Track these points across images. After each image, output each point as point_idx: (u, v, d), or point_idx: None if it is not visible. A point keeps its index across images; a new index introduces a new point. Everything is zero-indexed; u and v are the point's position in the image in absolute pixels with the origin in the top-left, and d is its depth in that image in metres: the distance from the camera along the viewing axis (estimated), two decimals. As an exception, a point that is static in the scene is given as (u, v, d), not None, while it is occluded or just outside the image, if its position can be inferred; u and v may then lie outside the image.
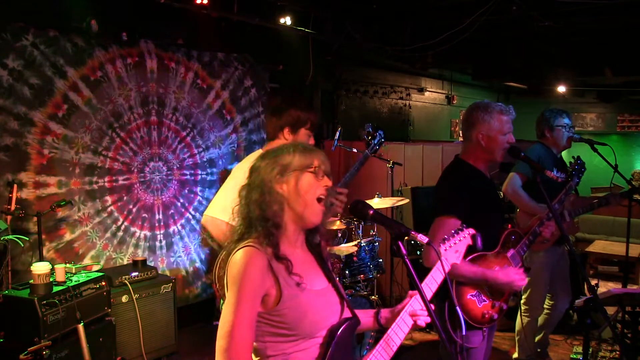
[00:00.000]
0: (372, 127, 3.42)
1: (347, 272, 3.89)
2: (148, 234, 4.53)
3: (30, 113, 3.73)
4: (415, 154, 5.66)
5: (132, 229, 4.42)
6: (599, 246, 5.79)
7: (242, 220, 1.65)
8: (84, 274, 3.47)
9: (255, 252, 1.55)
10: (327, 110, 6.58)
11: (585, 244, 6.07)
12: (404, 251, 1.60)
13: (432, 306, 1.64)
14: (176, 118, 4.68)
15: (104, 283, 3.46)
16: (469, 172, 2.56)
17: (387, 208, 4.74)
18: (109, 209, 4.25)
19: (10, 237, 3.24)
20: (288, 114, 2.77)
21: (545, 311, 3.87)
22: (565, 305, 3.88)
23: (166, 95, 4.59)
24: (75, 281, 3.31)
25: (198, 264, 4.93)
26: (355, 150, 4.55)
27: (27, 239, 3.46)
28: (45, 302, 3.00)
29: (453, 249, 1.90)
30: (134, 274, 3.87)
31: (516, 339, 3.87)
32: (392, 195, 4.76)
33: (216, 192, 3.11)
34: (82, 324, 3.11)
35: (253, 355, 1.60)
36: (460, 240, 1.92)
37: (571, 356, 4.15)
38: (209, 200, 4.80)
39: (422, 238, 1.62)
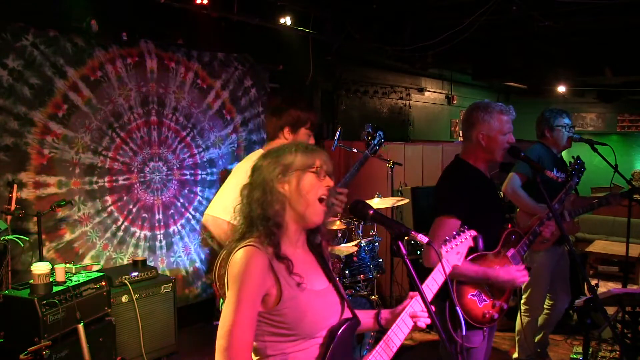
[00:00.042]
0: (372, 128, 3.42)
1: (347, 272, 3.89)
2: (148, 234, 4.53)
3: (30, 113, 3.73)
4: (415, 154, 5.66)
5: (132, 229, 4.42)
6: (599, 246, 5.79)
7: (243, 219, 1.65)
8: (84, 274, 3.47)
9: (256, 252, 1.55)
10: (327, 110, 6.58)
11: (585, 244, 6.07)
12: (404, 251, 1.60)
13: (433, 308, 1.63)
14: (176, 118, 4.68)
15: (104, 283, 3.46)
16: (469, 172, 2.56)
17: (387, 208, 4.74)
18: (109, 209, 4.25)
19: (10, 237, 3.24)
20: (288, 114, 2.78)
21: (545, 311, 3.87)
22: (565, 305, 3.89)
23: (166, 95, 4.59)
24: (75, 281, 3.31)
25: (198, 264, 4.93)
26: (355, 150, 4.55)
27: (27, 239, 3.46)
28: (45, 302, 3.00)
29: (454, 250, 1.90)
30: (134, 274, 3.87)
31: (516, 339, 3.87)
32: (392, 195, 4.76)
33: (216, 192, 3.11)
34: (82, 324, 3.11)
35: (253, 355, 1.60)
36: (461, 241, 1.92)
37: (571, 356, 4.15)
38: (208, 200, 4.80)
39: (422, 238, 1.62)
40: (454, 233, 1.93)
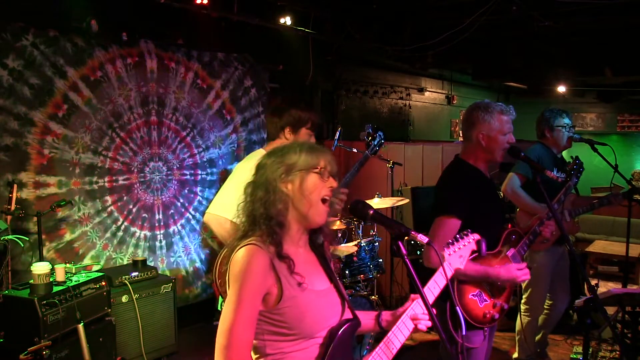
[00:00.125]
0: (372, 128, 3.43)
1: (347, 272, 3.89)
2: (148, 234, 4.53)
3: (30, 113, 3.73)
4: (415, 154, 5.66)
5: (132, 229, 4.42)
6: (599, 246, 5.79)
7: (246, 218, 1.65)
8: (84, 274, 3.47)
9: (257, 250, 1.55)
10: (327, 110, 6.58)
11: (585, 244, 6.07)
12: (404, 251, 1.60)
13: (434, 310, 1.63)
14: (176, 118, 4.68)
15: (104, 283, 3.46)
16: (469, 172, 2.56)
17: (387, 208, 4.74)
18: (109, 209, 4.25)
19: (10, 237, 3.24)
20: (289, 114, 2.79)
21: (545, 311, 3.87)
22: (565, 305, 3.89)
23: (166, 95, 4.59)
24: (75, 281, 3.31)
25: (198, 264, 4.93)
26: (355, 150, 4.55)
27: (27, 239, 3.46)
28: (45, 302, 3.00)
29: (457, 253, 1.89)
30: (134, 274, 3.87)
31: (516, 338, 3.87)
32: (392, 195, 4.76)
33: (216, 192, 3.11)
34: (82, 324, 3.11)
35: (252, 353, 1.60)
36: (464, 245, 1.91)
37: (571, 356, 4.15)
38: (208, 200, 4.81)
39: (422, 238, 1.62)
40: (457, 236, 1.92)
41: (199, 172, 4.91)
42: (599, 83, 9.02)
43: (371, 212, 1.69)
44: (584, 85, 9.11)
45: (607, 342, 4.28)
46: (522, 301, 3.79)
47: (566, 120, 3.69)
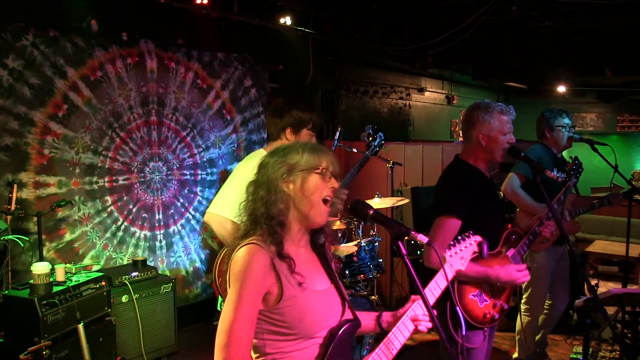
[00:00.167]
0: (372, 129, 3.43)
1: (347, 272, 3.89)
2: (148, 234, 4.53)
3: (30, 113, 3.73)
4: (415, 154, 5.66)
5: (132, 229, 4.42)
6: (599, 246, 5.79)
7: (247, 217, 1.65)
8: (84, 274, 3.47)
9: (258, 250, 1.55)
10: (327, 110, 6.58)
11: (585, 244, 6.07)
12: (404, 251, 1.60)
13: (435, 312, 1.63)
14: (176, 118, 4.68)
15: (104, 283, 3.46)
16: (469, 172, 2.56)
17: (387, 208, 4.74)
18: (109, 209, 4.25)
19: (10, 237, 3.23)
20: (290, 115, 2.79)
21: (544, 311, 3.87)
22: (564, 305, 3.89)
23: (166, 95, 4.59)
24: (75, 281, 3.31)
25: (198, 264, 4.93)
26: (355, 150, 4.55)
27: (27, 239, 3.46)
28: (45, 302, 3.00)
29: (458, 255, 1.89)
30: (134, 274, 3.87)
31: (516, 338, 3.87)
32: (392, 195, 4.76)
33: (216, 192, 3.11)
34: (82, 324, 3.11)
35: (252, 352, 1.60)
36: (466, 247, 1.91)
37: (571, 356, 4.15)
38: (208, 200, 4.81)
39: (422, 238, 1.62)
40: (459, 238, 1.92)
41: (199, 172, 4.91)
42: (599, 83, 9.02)
43: (371, 212, 1.69)
44: (584, 85, 9.11)
45: (607, 342, 4.28)
46: (522, 301, 3.79)
47: (566, 120, 3.69)
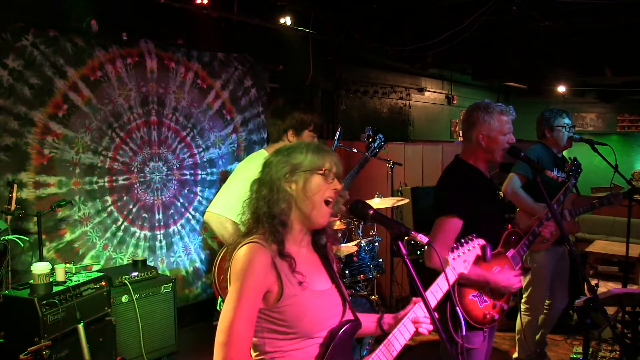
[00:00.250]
0: (372, 130, 3.43)
1: (347, 272, 3.89)
2: (148, 234, 4.53)
3: (30, 113, 3.73)
4: (415, 154, 5.66)
5: (132, 229, 4.42)
6: (599, 246, 5.79)
7: (250, 215, 1.66)
8: (84, 274, 3.47)
9: (259, 248, 1.56)
10: (327, 110, 6.57)
11: (585, 244, 6.08)
12: (404, 251, 1.60)
13: (436, 314, 1.63)
14: (176, 118, 4.68)
15: (104, 283, 3.46)
16: (469, 172, 2.56)
17: (387, 208, 4.74)
18: (109, 209, 4.25)
19: (10, 237, 3.23)
20: (291, 117, 2.77)
21: (544, 311, 3.87)
22: (563, 305, 3.89)
23: (166, 95, 4.59)
24: (75, 281, 3.31)
25: (198, 264, 4.93)
26: (355, 150, 4.55)
27: (27, 239, 3.46)
28: (45, 302, 3.00)
29: (461, 258, 1.88)
30: (134, 274, 3.87)
31: (516, 338, 3.87)
32: (392, 195, 4.76)
33: (216, 192, 3.10)
34: (82, 324, 3.11)
35: (252, 351, 1.61)
36: (469, 250, 1.90)
37: (571, 356, 4.15)
38: (208, 200, 4.81)
39: (422, 238, 1.62)
40: (462, 240, 1.91)
41: (199, 172, 4.91)
42: (599, 83, 9.01)
43: (371, 212, 1.69)
44: (584, 85, 9.11)
45: (607, 342, 4.29)
46: (522, 301, 3.79)
47: (566, 120, 3.69)
